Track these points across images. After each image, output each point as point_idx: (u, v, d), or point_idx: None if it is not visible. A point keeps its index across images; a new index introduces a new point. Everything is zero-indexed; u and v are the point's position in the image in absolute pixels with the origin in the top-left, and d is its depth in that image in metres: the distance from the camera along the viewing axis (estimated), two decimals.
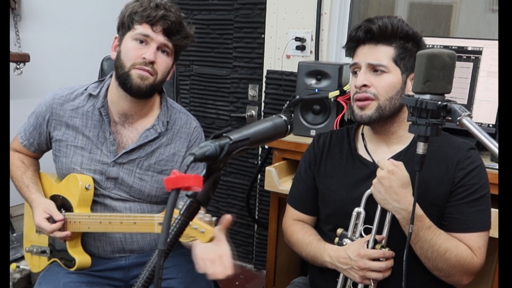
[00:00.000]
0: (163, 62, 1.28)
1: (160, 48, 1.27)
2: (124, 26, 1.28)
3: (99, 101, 1.35)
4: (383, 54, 1.16)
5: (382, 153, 1.23)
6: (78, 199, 1.32)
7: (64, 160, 1.36)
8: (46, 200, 1.37)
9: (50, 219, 1.33)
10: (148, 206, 1.38)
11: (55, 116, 1.37)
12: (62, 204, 1.37)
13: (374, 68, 1.17)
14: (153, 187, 1.36)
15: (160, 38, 1.25)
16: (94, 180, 1.35)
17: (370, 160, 1.24)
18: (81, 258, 1.35)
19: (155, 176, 1.36)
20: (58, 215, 1.32)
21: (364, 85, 1.17)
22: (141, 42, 1.25)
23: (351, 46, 1.23)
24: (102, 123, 1.35)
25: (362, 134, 1.29)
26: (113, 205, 1.36)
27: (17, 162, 1.45)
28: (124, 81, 1.27)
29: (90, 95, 1.37)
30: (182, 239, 1.05)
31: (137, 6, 1.25)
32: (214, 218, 1.06)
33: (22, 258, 1.56)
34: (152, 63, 1.25)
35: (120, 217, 1.28)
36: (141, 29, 1.24)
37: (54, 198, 1.39)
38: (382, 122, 1.19)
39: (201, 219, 1.05)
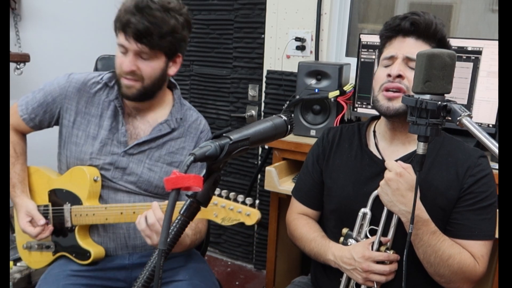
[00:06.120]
0: (146, 67, 1.27)
1: (139, 54, 1.26)
2: (114, 27, 1.28)
3: (114, 92, 1.36)
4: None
5: (395, 151, 1.22)
6: (88, 192, 1.32)
7: (74, 148, 1.36)
8: (27, 203, 1.37)
9: (33, 221, 1.35)
10: (152, 200, 1.37)
11: (68, 100, 1.37)
12: (66, 197, 1.37)
13: (410, 63, 1.14)
14: (162, 178, 1.36)
15: (134, 46, 1.23)
16: (102, 169, 1.35)
17: (380, 158, 1.22)
18: (95, 249, 1.35)
19: (164, 168, 1.37)
20: (40, 220, 1.34)
21: (399, 76, 1.13)
22: (123, 51, 1.26)
23: (389, 35, 1.19)
24: (116, 114, 1.36)
25: (374, 132, 1.28)
26: (117, 197, 1.36)
27: (9, 149, 1.42)
28: (118, 87, 1.33)
29: (106, 85, 1.38)
30: (225, 223, 1.10)
31: (120, 9, 1.25)
32: (257, 201, 1.09)
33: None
34: (132, 71, 1.26)
35: (147, 207, 1.24)
36: (120, 38, 1.24)
37: (55, 192, 1.39)
38: (404, 118, 1.13)
39: (243, 203, 1.09)
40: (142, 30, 1.20)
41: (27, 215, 1.35)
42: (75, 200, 1.35)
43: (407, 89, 1.13)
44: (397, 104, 1.13)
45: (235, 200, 1.09)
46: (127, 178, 1.36)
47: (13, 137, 1.44)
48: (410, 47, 1.14)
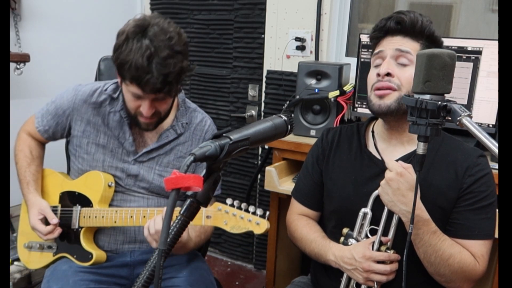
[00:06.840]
0: (163, 105, 1.30)
1: (155, 99, 1.26)
2: (117, 69, 1.24)
3: (119, 103, 1.38)
4: (410, 46, 1.15)
5: (393, 151, 1.22)
6: (101, 196, 1.35)
7: (86, 157, 1.40)
8: (41, 201, 1.40)
9: (44, 220, 1.37)
10: (165, 201, 1.41)
11: (76, 112, 1.41)
12: (77, 200, 1.39)
13: (399, 59, 1.15)
14: None
15: (151, 96, 1.24)
16: (114, 177, 1.39)
17: (379, 158, 1.22)
18: (97, 253, 1.37)
19: None
20: (53, 219, 1.36)
21: (388, 74, 1.14)
22: (136, 96, 1.25)
23: (378, 36, 1.20)
24: (122, 124, 1.39)
25: (373, 132, 1.28)
26: (131, 202, 1.39)
27: (26, 151, 1.47)
28: (134, 121, 1.34)
29: (111, 96, 1.40)
30: (234, 231, 1.16)
31: (125, 56, 1.18)
32: (268, 212, 1.16)
33: None
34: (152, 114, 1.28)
35: (158, 211, 1.28)
36: (132, 88, 1.22)
37: (66, 194, 1.42)
38: (398, 116, 1.15)
39: (254, 213, 1.16)
40: (160, 85, 1.19)
41: (40, 213, 1.37)
42: (86, 202, 1.38)
43: (398, 87, 1.13)
44: (388, 101, 1.13)
45: (246, 210, 1.15)
46: (139, 184, 1.39)
47: (31, 142, 1.49)
48: (399, 43, 1.15)
